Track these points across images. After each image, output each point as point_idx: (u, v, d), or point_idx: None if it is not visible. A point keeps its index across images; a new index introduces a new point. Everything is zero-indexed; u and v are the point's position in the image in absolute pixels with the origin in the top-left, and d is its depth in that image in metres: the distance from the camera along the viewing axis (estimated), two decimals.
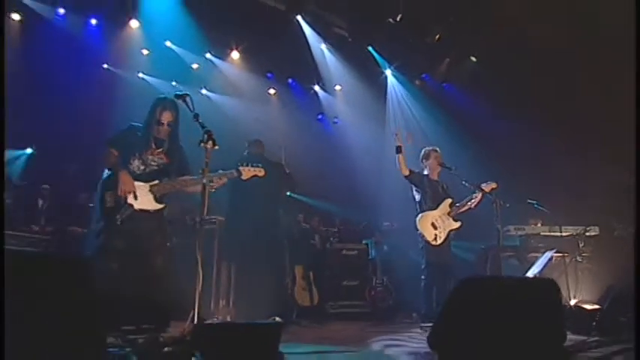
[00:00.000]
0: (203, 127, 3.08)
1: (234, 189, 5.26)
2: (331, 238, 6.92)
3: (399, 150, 5.08)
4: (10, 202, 5.98)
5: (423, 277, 4.93)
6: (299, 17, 7.76)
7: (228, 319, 5.40)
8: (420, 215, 5.03)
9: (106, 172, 3.60)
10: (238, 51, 8.55)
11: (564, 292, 5.69)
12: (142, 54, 8.38)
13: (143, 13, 7.64)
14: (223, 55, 8.65)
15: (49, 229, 6.18)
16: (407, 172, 5.08)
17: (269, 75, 9.12)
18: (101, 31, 7.75)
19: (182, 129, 3.78)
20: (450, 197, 5.15)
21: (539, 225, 6.32)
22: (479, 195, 5.00)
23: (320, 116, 10.10)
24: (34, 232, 5.98)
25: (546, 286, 2.91)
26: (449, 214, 5.05)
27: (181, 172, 3.65)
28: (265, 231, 5.20)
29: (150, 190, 3.53)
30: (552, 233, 6.04)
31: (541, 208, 5.93)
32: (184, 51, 8.47)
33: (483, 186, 4.99)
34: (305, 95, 9.66)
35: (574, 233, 5.94)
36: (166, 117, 3.59)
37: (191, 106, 3.19)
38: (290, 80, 9.37)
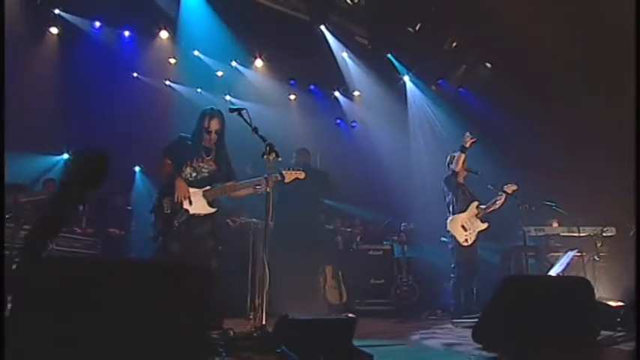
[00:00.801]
0: (264, 140, 3.33)
1: (281, 193, 5.58)
2: (357, 239, 7.21)
3: (463, 150, 5.37)
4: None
5: (452, 275, 5.23)
6: (322, 27, 8.06)
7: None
8: (450, 218, 5.34)
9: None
10: (262, 59, 8.87)
11: None
12: (170, 63, 8.74)
13: (173, 25, 7.98)
14: (247, 63, 8.98)
15: (89, 230, 6.49)
16: (458, 168, 5.36)
17: (292, 82, 9.43)
18: (133, 42, 8.11)
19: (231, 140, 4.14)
20: (477, 200, 5.43)
21: (556, 226, 6.59)
22: (502, 197, 5.29)
23: (339, 120, 10.41)
24: (77, 233, 6.28)
25: (581, 285, 3.21)
26: (477, 215, 5.34)
27: (229, 177, 3.94)
28: (307, 234, 5.49)
29: (203, 196, 3.79)
30: (571, 234, 6.31)
31: (559, 209, 6.22)
32: (210, 59, 8.81)
33: (505, 188, 5.27)
34: (326, 100, 9.97)
35: (592, 233, 6.21)
36: (214, 126, 3.90)
37: (248, 120, 3.45)
38: (312, 87, 9.68)
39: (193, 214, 3.74)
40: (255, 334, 3.07)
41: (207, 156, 3.91)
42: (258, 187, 3.73)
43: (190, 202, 3.74)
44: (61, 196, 2.50)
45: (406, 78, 9.34)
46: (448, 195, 5.46)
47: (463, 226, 5.26)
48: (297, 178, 4.01)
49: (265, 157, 3.28)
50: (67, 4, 7.27)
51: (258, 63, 8.95)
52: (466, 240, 5.19)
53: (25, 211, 4.83)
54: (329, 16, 8.06)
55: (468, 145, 5.32)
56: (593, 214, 6.40)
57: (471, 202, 5.40)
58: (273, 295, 5.68)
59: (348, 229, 8.14)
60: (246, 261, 5.88)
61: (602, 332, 4.00)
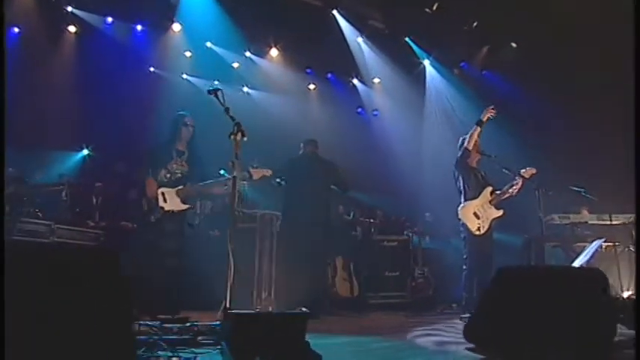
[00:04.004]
0: (233, 119, 3.25)
1: (289, 185, 5.45)
2: (372, 229, 6.94)
3: (480, 123, 5.02)
4: (67, 200, 6.41)
5: (464, 266, 4.88)
6: (335, 12, 7.79)
7: (270, 309, 5.58)
8: (462, 205, 4.97)
9: None
10: (277, 48, 8.70)
11: (616, 284, 5.49)
12: (185, 56, 8.70)
13: (184, 16, 7.92)
14: (262, 53, 8.83)
15: (102, 224, 6.54)
16: (471, 146, 4.98)
17: (308, 70, 9.22)
18: (147, 36, 8.11)
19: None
20: (490, 185, 5.05)
21: (586, 213, 6.10)
22: (519, 181, 4.90)
23: (359, 109, 10.13)
24: (89, 227, 6.32)
25: (591, 277, 2.84)
26: (490, 202, 4.95)
27: (202, 177, 4.29)
28: (315, 226, 5.31)
29: (176, 194, 4.21)
30: (601, 222, 5.81)
31: (588, 195, 5.74)
32: (224, 50, 8.72)
33: (522, 172, 4.88)
34: (344, 89, 9.70)
35: (626, 222, 5.70)
36: (184, 131, 4.32)
37: (222, 100, 3.38)
38: (329, 75, 9.43)
39: (168, 211, 4.16)
40: (215, 329, 2.90)
41: (180, 158, 4.33)
42: (226, 186, 4.12)
43: (165, 200, 4.17)
44: None
45: (426, 62, 8.92)
46: (459, 180, 5.09)
47: (475, 214, 4.88)
48: (264, 176, 4.30)
49: (232, 136, 3.19)
50: (79, 1, 7.30)
51: (274, 52, 8.78)
52: (479, 228, 4.82)
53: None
54: (342, 1, 7.77)
55: (485, 118, 4.97)
56: (628, 202, 5.85)
57: (485, 187, 5.01)
58: (279, 287, 5.58)
59: (366, 220, 7.90)
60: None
61: (629, 332, 3.58)
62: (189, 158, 4.36)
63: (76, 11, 7.38)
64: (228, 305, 2.80)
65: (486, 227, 4.85)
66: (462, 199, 5.01)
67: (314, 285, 5.14)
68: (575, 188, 5.78)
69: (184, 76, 9.08)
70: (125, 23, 7.79)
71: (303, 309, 2.63)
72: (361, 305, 6.06)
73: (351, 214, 7.93)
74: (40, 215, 5.54)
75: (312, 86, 9.84)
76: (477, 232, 4.82)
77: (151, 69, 8.71)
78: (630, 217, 5.64)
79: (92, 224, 6.44)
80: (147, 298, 3.69)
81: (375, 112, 10.05)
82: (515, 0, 7.34)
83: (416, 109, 9.42)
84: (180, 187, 4.25)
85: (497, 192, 4.99)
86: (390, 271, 6.50)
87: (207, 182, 4.25)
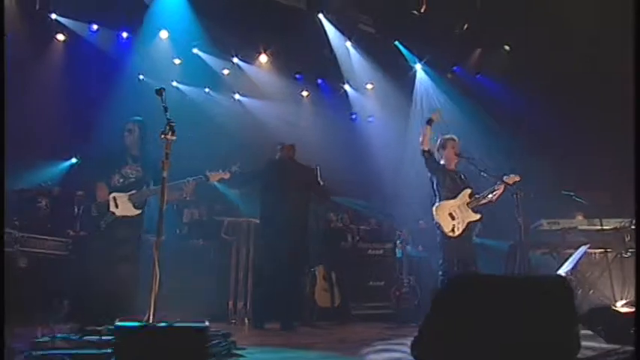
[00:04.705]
0: (169, 120, 3.16)
1: (265, 192, 5.29)
2: (356, 237, 6.72)
3: (429, 122, 4.89)
4: (47, 208, 6.33)
5: (440, 273, 4.63)
6: (320, 16, 7.67)
7: (246, 321, 5.40)
8: (437, 204, 4.73)
9: None
10: (266, 54, 8.59)
11: (608, 293, 5.21)
12: (175, 63, 8.63)
13: (171, 23, 7.85)
14: (252, 59, 8.73)
15: (83, 233, 6.43)
16: (427, 147, 4.83)
17: (298, 76, 9.09)
18: (133, 44, 8.04)
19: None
20: (470, 187, 4.81)
21: (579, 218, 5.83)
22: (501, 187, 4.65)
23: (353, 115, 9.97)
24: (69, 236, 6.22)
25: (553, 286, 2.59)
26: (468, 204, 4.71)
27: (157, 181, 4.15)
28: (291, 233, 5.14)
29: (129, 199, 4.13)
30: (592, 227, 5.52)
31: (578, 199, 5.49)
32: (213, 58, 8.64)
33: (505, 178, 4.62)
34: (338, 95, 9.56)
35: (618, 226, 5.41)
36: (127, 136, 4.29)
37: (164, 100, 3.32)
38: (319, 80, 9.29)
39: (120, 216, 4.08)
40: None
41: (134, 163, 4.29)
42: (180, 190, 4.11)
43: (117, 205, 4.08)
44: None
45: (418, 66, 8.73)
46: (432, 182, 4.89)
47: (451, 214, 4.63)
48: (222, 179, 4.33)
49: (163, 136, 3.08)
50: (63, 9, 7.27)
51: (263, 58, 8.67)
52: (453, 229, 4.56)
53: None
54: (326, 4, 7.65)
55: (434, 117, 4.91)
56: (620, 206, 5.57)
57: (463, 189, 4.78)
58: (257, 297, 5.38)
59: (358, 227, 7.68)
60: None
61: (606, 347, 3.31)
62: (144, 163, 4.28)
63: (60, 19, 7.33)
64: (151, 317, 2.61)
65: (461, 229, 4.59)
66: (437, 200, 4.79)
67: (289, 294, 4.95)
68: (565, 192, 5.55)
69: (174, 83, 9.03)
70: (110, 30, 7.72)
71: (205, 322, 2.42)
72: (343, 316, 5.84)
73: (341, 221, 7.75)
74: (17, 224, 5.47)
75: (304, 93, 9.73)
76: (451, 234, 4.57)
77: (140, 77, 8.65)
78: (622, 222, 5.35)
79: (72, 233, 6.35)
80: (95, 305, 3.54)
81: (369, 119, 9.89)
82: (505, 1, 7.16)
83: (410, 115, 9.24)
84: (132, 192, 4.16)
85: (477, 196, 4.75)
86: (375, 280, 6.27)
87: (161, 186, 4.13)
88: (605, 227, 5.33)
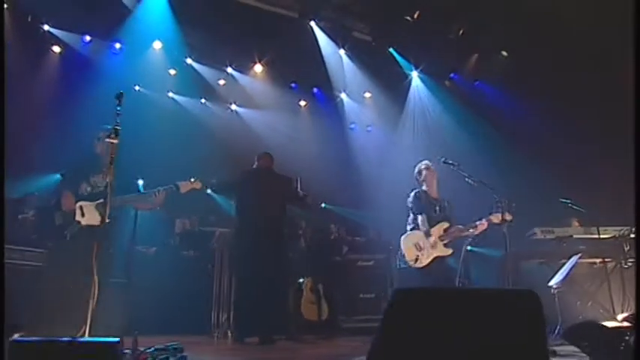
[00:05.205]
0: (117, 124, 3.16)
1: (240, 202, 5.17)
2: (346, 248, 6.53)
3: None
4: (34, 218, 6.28)
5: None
6: (313, 23, 7.58)
7: (229, 334, 5.23)
8: (406, 234, 4.52)
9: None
10: (261, 64, 8.52)
11: (607, 305, 4.94)
12: (170, 74, 8.61)
13: (164, 34, 7.82)
14: (246, 69, 8.67)
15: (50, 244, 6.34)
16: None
17: (293, 85, 9.01)
18: (127, 55, 8.02)
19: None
20: (448, 220, 4.52)
21: (575, 226, 5.59)
22: (484, 224, 4.39)
23: (352, 125, 9.83)
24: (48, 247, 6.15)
25: (519, 301, 2.35)
26: (441, 238, 4.42)
27: (125, 191, 4.00)
28: (268, 244, 4.98)
29: (95, 208, 3.92)
30: (589, 235, 5.26)
31: (576, 207, 5.25)
32: (208, 68, 8.60)
33: (492, 217, 4.35)
34: (332, 104, 9.44)
35: (617, 235, 5.14)
36: (98, 145, 4.08)
37: (120, 104, 3.34)
38: (315, 89, 9.19)
39: (85, 226, 3.91)
40: None
41: (106, 171, 4.00)
42: (150, 200, 3.99)
43: (83, 214, 3.91)
44: None
45: (414, 74, 8.57)
46: (417, 214, 4.57)
47: (418, 245, 4.37)
48: (193, 189, 4.10)
49: (107, 139, 3.13)
50: (55, 20, 7.29)
51: (258, 68, 8.60)
52: (416, 259, 4.31)
53: None
54: (320, 12, 7.56)
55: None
56: (619, 214, 5.30)
57: (439, 222, 4.49)
58: (236, 310, 5.21)
59: (353, 238, 7.50)
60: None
61: None
62: (116, 171, 4.16)
63: (53, 30, 7.36)
64: (87, 331, 2.46)
65: (425, 263, 4.31)
66: (408, 228, 4.58)
67: (268, 307, 4.77)
68: (562, 200, 5.31)
69: (170, 94, 9.01)
70: (104, 41, 7.72)
71: (116, 338, 2.25)
72: (331, 329, 5.63)
73: (338, 232, 7.59)
74: None
75: (302, 102, 9.64)
76: (412, 263, 4.32)
77: (137, 88, 8.63)
78: (622, 230, 5.09)
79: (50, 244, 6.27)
80: (58, 317, 3.40)
81: (368, 128, 9.76)
82: (500, 3, 6.99)
83: (407, 124, 9.08)
84: (100, 201, 3.95)
85: (452, 230, 4.46)
86: (365, 292, 6.05)
87: (131, 195, 4.02)
88: (602, 236, 5.06)
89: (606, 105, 6.52)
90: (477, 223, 4.41)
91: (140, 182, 4.43)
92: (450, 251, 4.42)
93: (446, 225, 4.48)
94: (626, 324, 3.50)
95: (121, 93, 3.28)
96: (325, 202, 9.56)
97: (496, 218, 4.31)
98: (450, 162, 4.54)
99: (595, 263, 5.25)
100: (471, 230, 4.42)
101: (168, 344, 3.07)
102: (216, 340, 5.21)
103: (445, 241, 4.42)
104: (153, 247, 7.03)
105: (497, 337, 2.19)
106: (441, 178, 4.85)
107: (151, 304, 5.54)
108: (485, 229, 4.40)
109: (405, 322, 2.17)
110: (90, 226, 3.89)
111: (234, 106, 9.44)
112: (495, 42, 7.78)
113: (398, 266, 5.88)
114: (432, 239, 4.40)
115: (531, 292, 2.38)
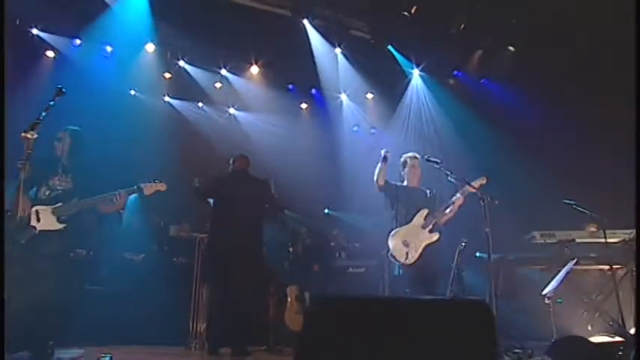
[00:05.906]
0: (38, 117, 3.05)
1: (216, 205, 4.95)
2: (337, 254, 6.18)
3: (385, 159, 4.51)
4: None
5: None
6: (305, 22, 7.30)
7: (206, 345, 4.95)
8: (391, 233, 4.31)
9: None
10: (258, 65, 8.29)
11: (616, 316, 4.47)
12: (165, 77, 8.46)
13: (157, 36, 7.68)
14: (242, 71, 8.45)
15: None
16: (382, 182, 4.48)
17: (290, 87, 8.75)
18: (120, 58, 7.89)
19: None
20: (427, 207, 4.40)
21: (580, 230, 5.13)
22: (460, 198, 4.27)
23: (355, 127, 9.50)
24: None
25: (464, 312, 2.01)
26: (424, 227, 4.29)
27: (85, 194, 3.94)
28: (245, 250, 4.72)
29: (52, 212, 3.81)
30: (595, 239, 4.80)
31: (581, 209, 4.81)
32: (203, 71, 8.42)
33: (473, 183, 4.17)
34: (332, 105, 9.14)
35: (626, 239, 4.68)
36: (66, 146, 4.03)
37: (55, 99, 3.33)
38: (313, 91, 8.90)
39: (41, 231, 3.77)
40: None
41: (64, 174, 4.01)
42: (112, 202, 3.91)
43: (38, 219, 3.77)
44: None
45: (415, 72, 8.20)
46: (394, 206, 4.44)
47: (404, 242, 4.22)
48: (158, 190, 4.02)
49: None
50: (44, 24, 7.20)
51: (254, 70, 8.37)
52: (407, 257, 4.13)
53: None
54: (313, 9, 7.28)
55: (385, 153, 4.51)
56: (626, 215, 4.83)
57: (420, 209, 4.36)
58: (210, 320, 4.92)
59: (352, 244, 7.17)
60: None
61: None
62: (75, 174, 4.00)
63: (42, 34, 7.27)
64: None
65: (416, 256, 4.17)
66: (394, 225, 4.37)
67: (243, 317, 4.48)
68: (566, 201, 4.88)
69: (166, 98, 8.86)
70: (94, 44, 7.59)
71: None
72: None
73: (336, 238, 7.28)
74: None
75: (304, 105, 9.37)
76: (404, 261, 4.16)
77: (132, 92, 8.51)
78: (632, 233, 4.62)
79: None
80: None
81: (372, 130, 9.41)
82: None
83: (412, 125, 8.71)
84: (57, 205, 3.84)
85: (432, 215, 4.32)
86: None
87: (91, 198, 3.87)
88: (609, 240, 4.59)
89: (619, 103, 6.04)
90: (453, 198, 4.33)
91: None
92: (436, 236, 4.32)
93: (425, 212, 4.36)
94: (618, 339, 3.11)
95: (60, 89, 3.25)
96: (329, 208, 9.26)
97: (475, 183, 4.19)
98: (433, 159, 4.30)
99: (603, 270, 4.78)
100: (450, 208, 4.34)
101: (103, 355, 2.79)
102: (193, 352, 4.93)
103: (429, 228, 4.29)
104: (142, 254, 6.85)
105: (439, 350, 1.86)
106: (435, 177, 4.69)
107: (128, 312, 5.33)
108: (462, 204, 4.31)
109: (323, 335, 1.85)
110: (46, 232, 3.76)
111: (232, 110, 9.22)
112: (500, 36, 7.36)
113: (393, 274, 5.60)
114: (415, 230, 4.27)
115: (482, 303, 2.06)
